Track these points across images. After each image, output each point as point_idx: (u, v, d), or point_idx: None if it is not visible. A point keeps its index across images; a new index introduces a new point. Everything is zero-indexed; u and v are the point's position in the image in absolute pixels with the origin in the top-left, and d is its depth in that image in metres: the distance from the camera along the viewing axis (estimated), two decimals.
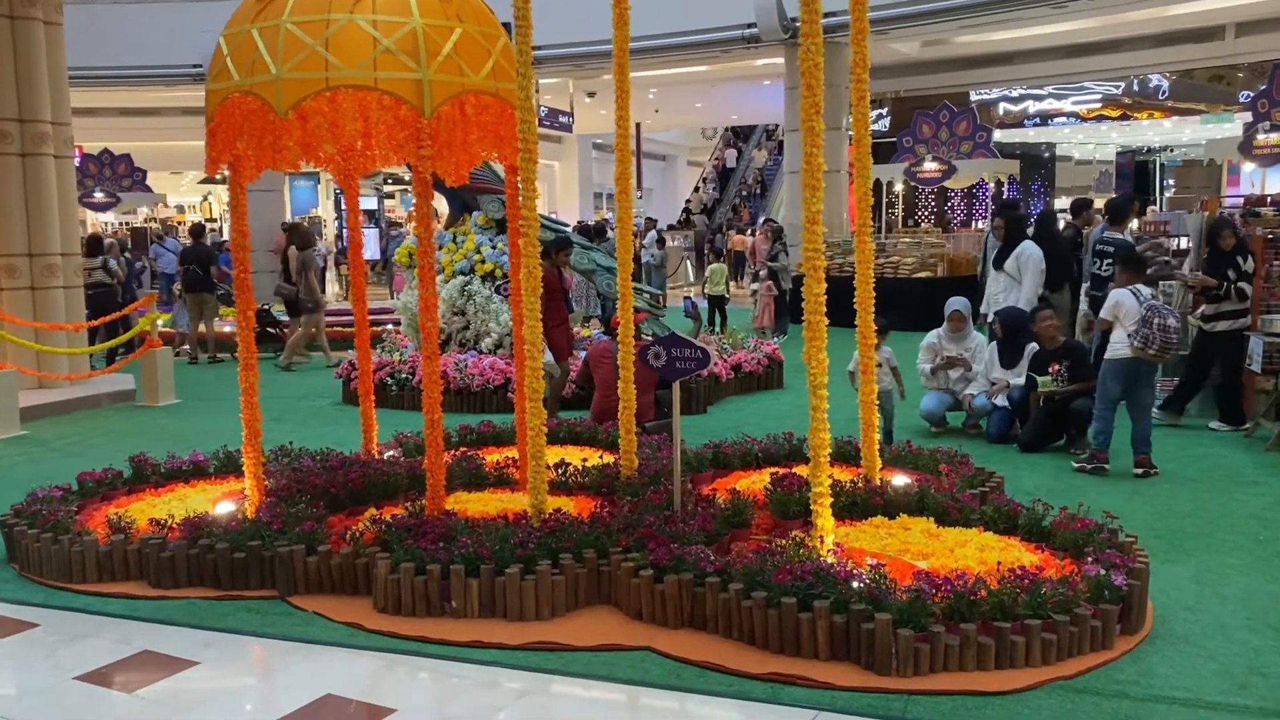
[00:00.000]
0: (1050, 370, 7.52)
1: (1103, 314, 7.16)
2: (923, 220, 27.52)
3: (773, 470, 6.13)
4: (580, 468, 6.11)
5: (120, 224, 34.04)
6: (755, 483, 6.05)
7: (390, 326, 14.28)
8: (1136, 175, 31.15)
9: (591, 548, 4.71)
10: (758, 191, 31.78)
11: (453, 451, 6.91)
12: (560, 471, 6.05)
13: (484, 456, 6.67)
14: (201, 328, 14.28)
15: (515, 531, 4.75)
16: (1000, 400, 8.05)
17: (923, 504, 5.38)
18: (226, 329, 15.49)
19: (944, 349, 8.43)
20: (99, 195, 23.54)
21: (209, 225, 36.74)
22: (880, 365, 7.33)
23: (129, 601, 4.88)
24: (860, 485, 5.52)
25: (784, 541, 4.52)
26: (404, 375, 9.94)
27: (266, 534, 5.00)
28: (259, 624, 4.57)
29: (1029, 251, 8.94)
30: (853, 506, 5.33)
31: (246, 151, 5.25)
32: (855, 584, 4.07)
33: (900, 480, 5.70)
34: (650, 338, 8.74)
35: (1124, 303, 6.97)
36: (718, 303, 15.51)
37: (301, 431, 9.00)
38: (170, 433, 9.13)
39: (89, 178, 23.45)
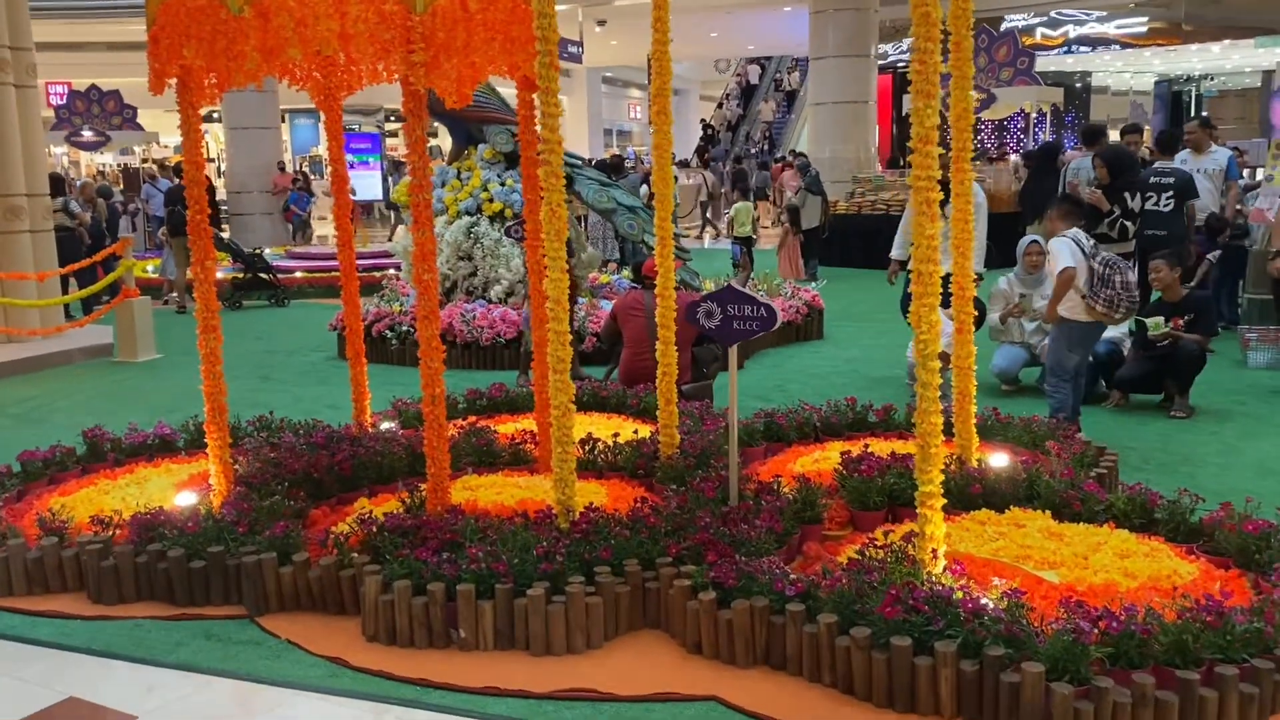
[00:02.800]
0: (1172, 324, 6.53)
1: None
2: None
3: (842, 449, 5.15)
4: (611, 444, 5.14)
5: (117, 165, 32.94)
6: (820, 461, 5.09)
7: (391, 271, 13.30)
8: (1171, 106, 29.74)
9: (634, 557, 3.76)
10: (765, 148, 30.24)
11: (460, 421, 5.97)
12: (588, 449, 5.09)
13: (496, 428, 5.72)
14: (189, 274, 13.25)
15: (538, 538, 3.79)
16: None
17: (1032, 492, 4.42)
18: (220, 275, 14.53)
19: (1017, 293, 7.40)
20: (88, 134, 22.35)
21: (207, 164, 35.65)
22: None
23: (61, 623, 3.94)
24: (954, 468, 4.54)
25: (880, 552, 3.56)
26: (405, 328, 8.94)
27: (231, 537, 4.05)
28: (218, 658, 3.63)
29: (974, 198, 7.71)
30: (947, 496, 4.34)
31: (196, 61, 4.22)
32: (986, 617, 3.11)
33: (1000, 460, 4.72)
34: (681, 288, 7.74)
35: (1069, 256, 5.70)
36: (745, 244, 14.41)
37: (291, 392, 8.06)
38: (146, 394, 8.18)
39: (77, 115, 22.28)
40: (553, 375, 3.97)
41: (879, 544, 3.60)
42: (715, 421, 5.48)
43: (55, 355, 9.48)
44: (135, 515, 4.28)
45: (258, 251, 14.00)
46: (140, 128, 23.36)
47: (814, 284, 10.84)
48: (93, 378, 8.92)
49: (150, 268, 15.34)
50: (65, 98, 23.32)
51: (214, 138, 36.06)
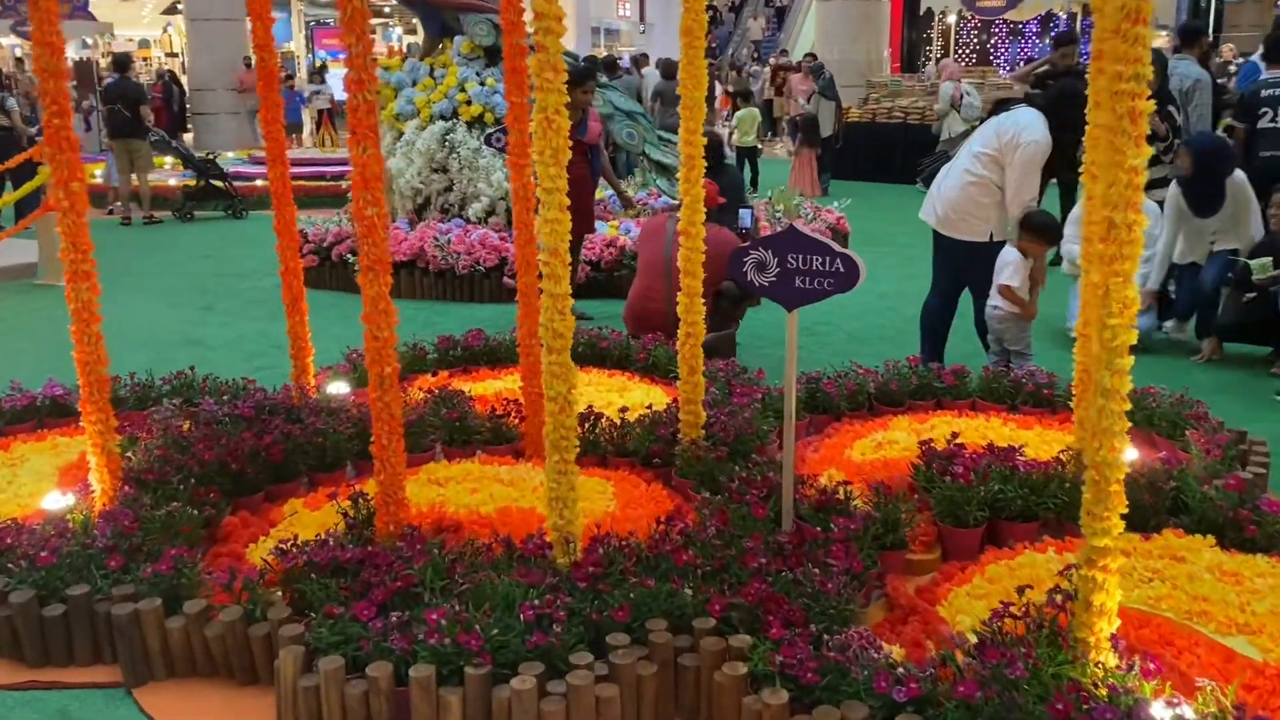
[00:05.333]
0: None
1: None
2: (962, 59, 24.73)
3: (910, 426, 4.08)
4: (619, 420, 4.03)
5: (75, 58, 30.87)
6: (883, 446, 4.00)
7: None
8: (1190, 10, 28.20)
9: (662, 616, 2.67)
10: (752, 70, 28.55)
11: (428, 379, 4.86)
12: (589, 427, 3.97)
13: (471, 389, 4.60)
14: (134, 180, 11.90)
15: (526, 589, 2.69)
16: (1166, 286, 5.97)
17: (1178, 505, 3.35)
18: (172, 182, 13.20)
19: None
20: None
21: (171, 60, 33.65)
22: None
23: None
24: (1072, 468, 3.45)
25: (1018, 624, 2.47)
26: None
27: (102, 573, 2.94)
28: None
29: (1023, 122, 4.91)
30: (1067, 508, 3.28)
31: None
32: None
33: (1129, 456, 3.61)
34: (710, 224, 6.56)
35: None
36: (748, 155, 13.12)
37: (235, 328, 6.91)
38: (65, 329, 6.97)
39: (21, 1, 20.48)
40: (548, 356, 2.82)
41: (1015, 610, 2.51)
42: (748, 390, 4.37)
43: None
44: None
45: (211, 156, 12.63)
46: (92, 17, 21.65)
47: (835, 203, 9.63)
48: (7, 305, 7.70)
49: (98, 172, 13.94)
50: None
51: (177, 30, 34.00)
